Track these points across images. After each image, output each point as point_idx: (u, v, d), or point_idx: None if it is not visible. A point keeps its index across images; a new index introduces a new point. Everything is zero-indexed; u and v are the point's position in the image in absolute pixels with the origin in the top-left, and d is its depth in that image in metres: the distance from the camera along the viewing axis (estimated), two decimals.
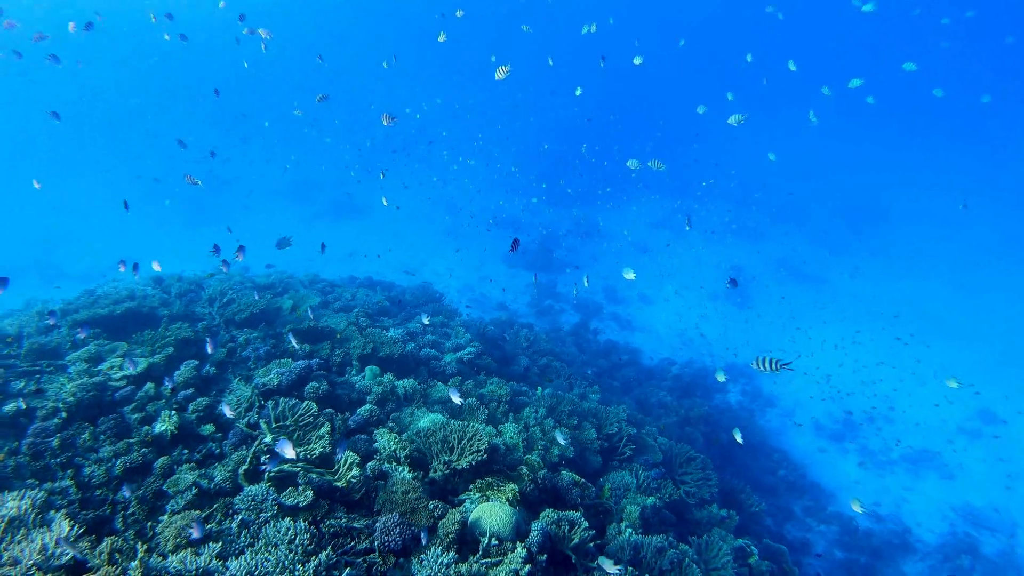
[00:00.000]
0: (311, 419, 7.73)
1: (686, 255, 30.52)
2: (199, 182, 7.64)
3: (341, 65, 56.46)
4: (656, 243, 32.32)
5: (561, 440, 8.77)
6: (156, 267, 9.89)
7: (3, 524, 5.48)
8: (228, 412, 7.46)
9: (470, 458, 7.35)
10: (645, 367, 19.12)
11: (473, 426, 7.90)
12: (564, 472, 8.16)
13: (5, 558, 5.26)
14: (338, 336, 9.91)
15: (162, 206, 31.98)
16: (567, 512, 7.02)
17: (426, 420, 8.52)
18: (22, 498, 5.83)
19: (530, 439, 9.13)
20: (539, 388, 11.27)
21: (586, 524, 6.88)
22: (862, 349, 23.31)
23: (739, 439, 9.49)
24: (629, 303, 26.05)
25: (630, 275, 9.87)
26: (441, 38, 13.00)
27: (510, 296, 25.14)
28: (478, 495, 7.09)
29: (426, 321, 11.33)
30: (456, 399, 8.29)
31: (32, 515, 5.66)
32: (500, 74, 10.43)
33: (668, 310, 25.93)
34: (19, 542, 5.41)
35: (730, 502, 12.05)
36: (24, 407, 6.96)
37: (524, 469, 7.85)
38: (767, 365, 5.82)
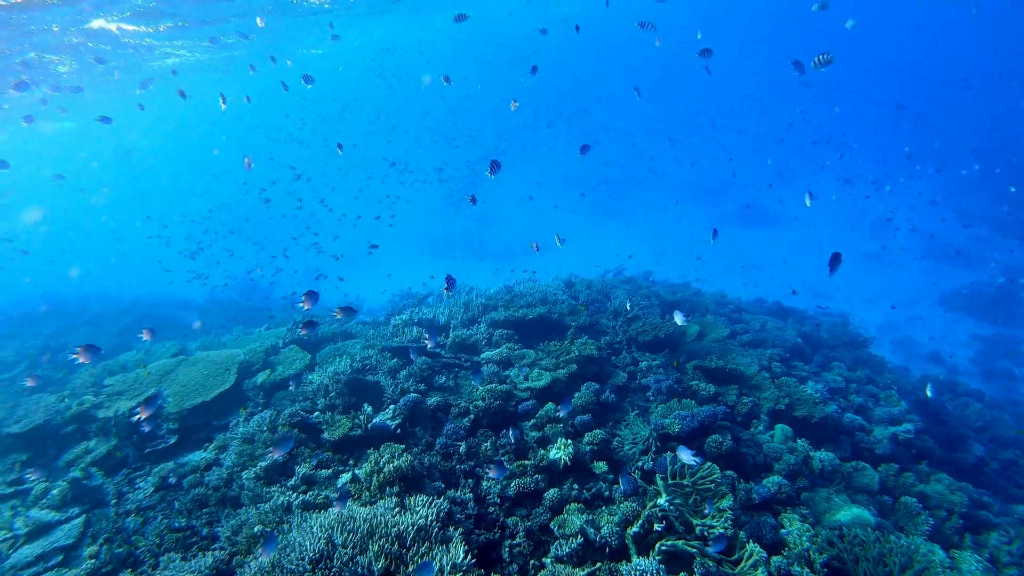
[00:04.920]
0: (711, 485, 6.33)
1: None
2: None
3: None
4: None
5: None
6: None
7: (412, 531, 5.53)
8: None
9: None
10: None
11: (924, 553, 5.71)
12: None
13: (411, 568, 5.27)
14: (747, 381, 8.18)
15: (577, 198, 34.99)
16: None
17: (848, 514, 6.67)
18: (430, 505, 5.87)
19: None
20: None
21: None
22: None
23: None
24: None
25: None
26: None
27: (946, 346, 19.29)
28: None
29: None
30: None
31: (436, 528, 5.61)
32: None
33: None
34: (423, 555, 5.39)
35: None
36: (444, 403, 7.23)
37: None
38: None
